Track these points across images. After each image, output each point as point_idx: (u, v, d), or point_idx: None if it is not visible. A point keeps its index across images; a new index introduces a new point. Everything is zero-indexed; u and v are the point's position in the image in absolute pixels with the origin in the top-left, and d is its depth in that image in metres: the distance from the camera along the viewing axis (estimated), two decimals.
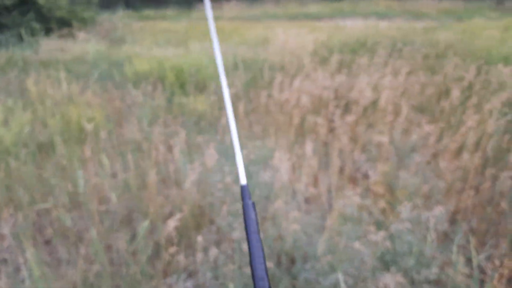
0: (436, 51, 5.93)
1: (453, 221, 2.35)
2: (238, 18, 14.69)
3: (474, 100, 3.40)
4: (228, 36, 9.33)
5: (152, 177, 2.35)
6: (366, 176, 2.57)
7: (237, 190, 2.24)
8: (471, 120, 2.76)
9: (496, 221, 2.38)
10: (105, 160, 2.84)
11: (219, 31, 10.34)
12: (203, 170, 2.35)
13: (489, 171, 2.48)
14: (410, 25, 10.25)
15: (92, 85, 4.51)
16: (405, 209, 1.85)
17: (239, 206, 2.08)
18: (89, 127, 2.97)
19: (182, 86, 4.45)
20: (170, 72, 4.58)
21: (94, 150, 3.00)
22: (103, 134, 3.11)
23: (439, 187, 2.30)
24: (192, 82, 4.46)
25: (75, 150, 3.13)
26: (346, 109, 3.29)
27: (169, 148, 2.86)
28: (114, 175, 2.81)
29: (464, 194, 2.41)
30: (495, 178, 2.56)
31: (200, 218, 2.24)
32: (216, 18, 14.39)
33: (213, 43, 0.49)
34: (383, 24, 10.45)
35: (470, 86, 3.99)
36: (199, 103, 3.83)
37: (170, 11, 16.87)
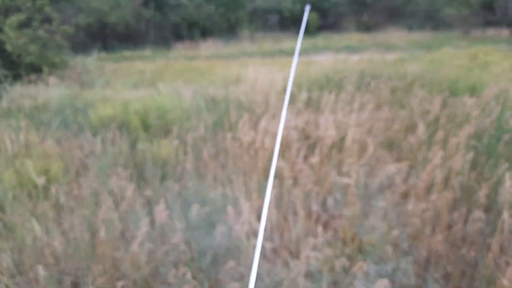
0: (403, 83, 6.03)
1: (425, 267, 2.22)
2: (214, 57, 14.91)
3: (440, 134, 3.39)
4: (201, 75, 9.37)
5: (102, 236, 2.16)
6: (332, 223, 2.44)
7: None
8: (437, 157, 2.70)
9: (471, 262, 2.27)
10: (56, 218, 2.63)
11: (194, 70, 10.40)
12: (154, 227, 2.18)
13: (460, 211, 2.39)
14: (380, 57, 10.57)
15: (53, 133, 4.32)
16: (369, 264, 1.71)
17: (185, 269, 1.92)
18: (41, 181, 2.77)
19: (146, 130, 4.32)
20: (134, 116, 4.45)
21: (46, 207, 2.79)
22: (57, 189, 2.92)
23: (407, 232, 2.19)
24: (158, 125, 4.34)
25: (26, 207, 2.90)
26: (312, 149, 3.21)
27: (124, 202, 2.67)
28: (64, 233, 2.59)
29: (435, 238, 2.30)
30: (466, 217, 2.47)
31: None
32: (193, 58, 14.57)
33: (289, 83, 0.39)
34: (354, 58, 10.74)
35: (436, 120, 4.00)
36: (163, 148, 3.68)
37: (147, 51, 17.02)
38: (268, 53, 15.47)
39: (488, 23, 18.74)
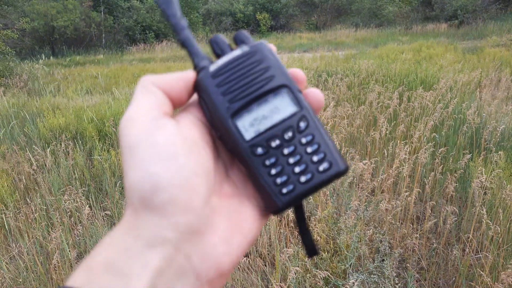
0: (358, 79, 6.14)
1: (403, 266, 2.21)
2: (170, 59, 14.53)
3: (401, 127, 3.44)
4: None
5: (55, 261, 1.95)
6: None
7: None
8: (402, 151, 2.72)
9: (444, 254, 2.29)
10: (3, 242, 2.37)
11: (150, 73, 10.00)
12: None
13: (429, 204, 2.40)
14: (332, 55, 10.78)
15: None
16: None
17: None
18: None
19: (103, 139, 4.05)
20: (89, 125, 4.17)
21: None
22: (3, 209, 2.63)
23: (381, 230, 2.16)
24: (115, 133, 4.09)
25: None
26: None
27: (80, 220, 2.45)
28: (12, 259, 2.33)
29: (407, 232, 2.30)
30: (436, 210, 2.49)
31: None
32: (148, 60, 14.11)
33: None
34: (308, 56, 10.87)
35: (396, 114, 4.07)
36: (121, 158, 3.46)
37: (100, 55, 16.28)
38: None
39: (427, 19, 19.83)
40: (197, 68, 0.33)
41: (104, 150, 3.71)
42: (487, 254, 1.95)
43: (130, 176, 0.27)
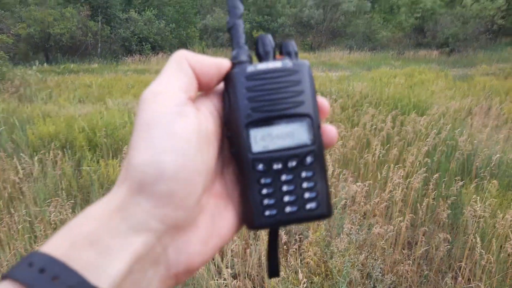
0: (352, 101, 6.20)
1: None
2: None
3: (394, 151, 3.45)
4: None
5: None
6: (294, 247, 2.33)
7: None
8: (395, 175, 2.72)
9: (435, 282, 2.26)
10: None
11: (145, 84, 10.03)
12: None
13: (421, 229, 2.39)
14: (326, 75, 10.92)
15: None
16: None
17: None
18: None
19: (93, 149, 3.99)
20: (79, 134, 4.10)
21: None
22: None
23: (374, 255, 2.13)
24: (106, 144, 4.03)
25: None
26: None
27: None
28: None
29: (399, 257, 2.27)
30: (428, 235, 2.48)
31: None
32: (143, 71, 14.12)
33: None
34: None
35: (388, 137, 4.10)
36: (111, 169, 3.40)
37: (95, 64, 16.23)
38: None
39: (419, 45, 20.39)
40: (235, 60, 0.32)
41: (94, 161, 3.64)
42: (480, 284, 1.93)
43: (137, 155, 0.26)
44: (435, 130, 3.73)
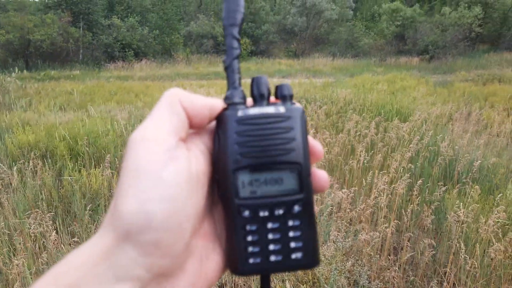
0: (336, 108, 6.26)
1: None
2: (149, 78, 14.43)
3: (378, 157, 3.49)
4: (136, 96, 8.96)
5: None
6: None
7: None
8: (380, 181, 2.74)
9: (421, 286, 2.28)
10: None
11: (128, 91, 9.91)
12: None
13: (406, 235, 2.41)
14: (310, 82, 11.02)
15: None
16: None
17: None
18: None
19: (75, 158, 3.90)
20: (60, 143, 4.01)
21: None
22: None
23: (360, 262, 2.13)
24: (88, 153, 3.95)
25: None
26: None
27: (46, 246, 2.30)
28: None
29: (385, 264, 2.28)
30: (413, 241, 2.50)
31: None
32: (126, 78, 13.96)
33: None
34: (286, 82, 11.05)
35: (372, 143, 4.14)
36: (94, 179, 3.33)
37: (76, 71, 15.96)
38: (204, 76, 15.40)
39: (400, 52, 20.85)
40: (228, 101, 0.32)
41: (75, 170, 3.56)
42: None
43: (124, 203, 0.26)
44: (417, 136, 3.79)
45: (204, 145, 0.31)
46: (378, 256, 2.33)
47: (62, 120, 5.70)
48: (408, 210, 2.47)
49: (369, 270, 2.27)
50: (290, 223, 0.31)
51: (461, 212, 2.15)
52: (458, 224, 2.17)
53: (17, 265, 1.93)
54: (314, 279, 2.12)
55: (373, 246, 2.36)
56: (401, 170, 3.21)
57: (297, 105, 0.33)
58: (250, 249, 0.30)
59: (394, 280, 2.22)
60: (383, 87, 9.07)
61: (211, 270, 0.31)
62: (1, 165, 3.29)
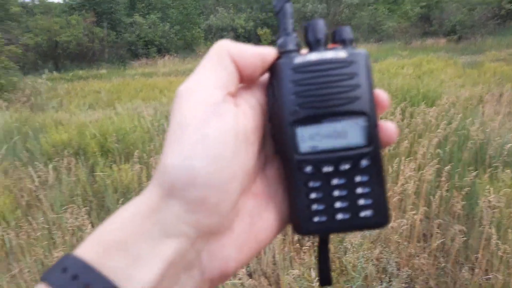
0: None
1: (411, 287, 2.17)
2: (172, 73, 14.64)
3: (405, 143, 3.42)
4: (161, 92, 9.12)
5: None
6: (312, 243, 2.33)
7: None
8: (407, 168, 2.70)
9: (452, 273, 2.25)
10: (4, 260, 2.33)
11: (152, 88, 10.11)
12: None
13: (436, 222, 2.37)
14: None
15: None
16: None
17: None
18: None
19: (105, 155, 4.04)
20: (91, 141, 4.16)
21: None
22: (5, 227, 2.60)
23: (388, 249, 2.13)
24: (117, 149, 4.08)
25: None
26: None
27: (79, 240, 2.43)
28: (13, 279, 2.29)
29: (414, 251, 2.26)
30: (444, 228, 2.46)
31: None
32: (150, 75, 14.21)
33: None
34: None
35: (399, 129, 4.06)
36: (124, 174, 3.45)
37: (103, 70, 16.42)
38: None
39: (426, 34, 20.09)
40: (281, 49, 0.29)
41: (107, 166, 3.69)
42: (497, 275, 1.91)
43: (169, 158, 0.25)
44: (445, 121, 3.69)
45: (255, 100, 0.29)
46: (407, 243, 2.31)
47: (92, 118, 5.90)
48: (436, 197, 2.43)
49: (397, 258, 2.26)
50: (358, 178, 0.28)
51: (492, 197, 2.10)
52: (489, 210, 2.12)
53: (57, 257, 2.04)
54: (342, 266, 2.13)
55: (401, 233, 2.35)
56: (429, 156, 3.14)
57: (360, 49, 0.29)
58: (314, 207, 0.28)
59: (424, 267, 2.20)
60: (409, 71, 8.82)
61: (262, 231, 0.29)
62: (38, 163, 3.46)
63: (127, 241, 0.24)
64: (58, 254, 2.06)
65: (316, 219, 0.28)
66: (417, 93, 5.85)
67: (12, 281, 2.28)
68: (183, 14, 22.45)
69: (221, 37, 23.48)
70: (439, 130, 3.45)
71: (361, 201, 0.28)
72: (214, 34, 24.14)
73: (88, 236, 0.25)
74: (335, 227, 0.29)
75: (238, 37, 22.73)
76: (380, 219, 0.29)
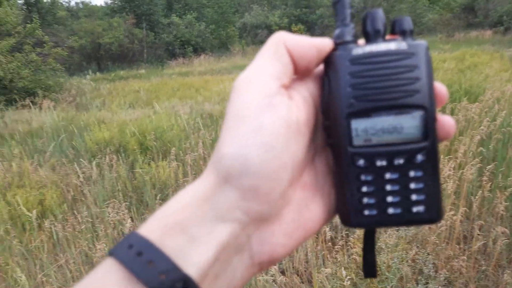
0: None
1: (446, 286, 2.10)
2: (208, 72, 14.88)
3: (445, 141, 3.30)
4: (196, 91, 9.32)
5: None
6: (340, 243, 2.32)
7: None
8: (447, 166, 2.61)
9: (494, 277, 2.16)
10: (52, 251, 2.49)
11: (188, 87, 10.35)
12: None
13: (477, 223, 2.28)
14: None
15: (47, 160, 4.20)
16: None
17: None
18: (33, 215, 2.64)
19: (144, 152, 4.20)
20: (131, 138, 4.34)
21: (37, 244, 2.64)
22: (52, 220, 2.78)
23: (425, 250, 2.07)
24: (156, 147, 4.23)
25: (14, 243, 2.74)
26: None
27: (120, 233, 2.55)
28: (60, 268, 2.45)
29: (453, 253, 2.19)
30: (485, 229, 2.36)
31: None
32: (186, 74, 14.54)
33: None
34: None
35: None
36: (162, 170, 3.57)
37: (142, 70, 17.01)
38: None
39: (470, 25, 19.06)
40: (338, 40, 0.29)
41: (145, 163, 3.84)
42: None
43: (225, 147, 0.27)
44: (488, 118, 3.52)
45: (309, 92, 0.30)
46: (445, 244, 2.24)
47: (132, 117, 6.14)
48: (477, 197, 2.33)
49: (435, 259, 2.20)
50: (412, 173, 0.28)
51: None
52: None
53: (100, 249, 2.16)
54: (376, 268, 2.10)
55: (439, 234, 2.27)
56: (470, 155, 3.01)
57: (420, 40, 0.29)
58: (365, 200, 0.28)
59: (463, 269, 2.12)
60: (450, 65, 8.44)
61: (310, 220, 0.30)
62: (82, 160, 3.66)
63: (186, 223, 0.25)
64: (100, 246, 2.18)
65: (366, 212, 0.28)
66: (458, 88, 5.60)
67: (59, 271, 2.44)
68: (218, 13, 22.74)
69: (256, 35, 23.55)
70: (482, 127, 3.29)
71: (414, 197, 0.28)
72: (248, 32, 24.26)
73: (149, 219, 0.27)
74: (385, 221, 0.29)
75: (272, 34, 22.67)
76: (432, 215, 0.28)
